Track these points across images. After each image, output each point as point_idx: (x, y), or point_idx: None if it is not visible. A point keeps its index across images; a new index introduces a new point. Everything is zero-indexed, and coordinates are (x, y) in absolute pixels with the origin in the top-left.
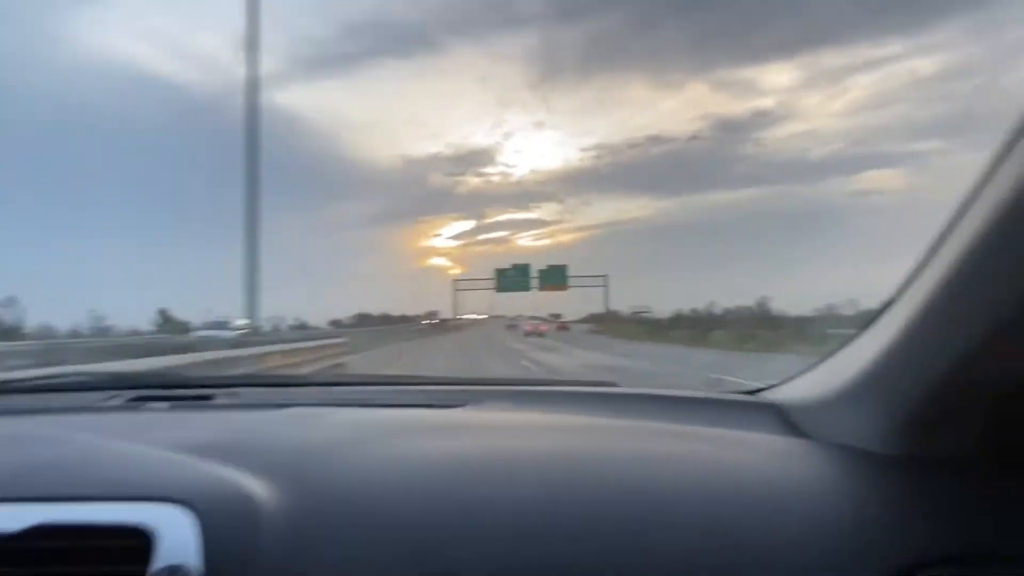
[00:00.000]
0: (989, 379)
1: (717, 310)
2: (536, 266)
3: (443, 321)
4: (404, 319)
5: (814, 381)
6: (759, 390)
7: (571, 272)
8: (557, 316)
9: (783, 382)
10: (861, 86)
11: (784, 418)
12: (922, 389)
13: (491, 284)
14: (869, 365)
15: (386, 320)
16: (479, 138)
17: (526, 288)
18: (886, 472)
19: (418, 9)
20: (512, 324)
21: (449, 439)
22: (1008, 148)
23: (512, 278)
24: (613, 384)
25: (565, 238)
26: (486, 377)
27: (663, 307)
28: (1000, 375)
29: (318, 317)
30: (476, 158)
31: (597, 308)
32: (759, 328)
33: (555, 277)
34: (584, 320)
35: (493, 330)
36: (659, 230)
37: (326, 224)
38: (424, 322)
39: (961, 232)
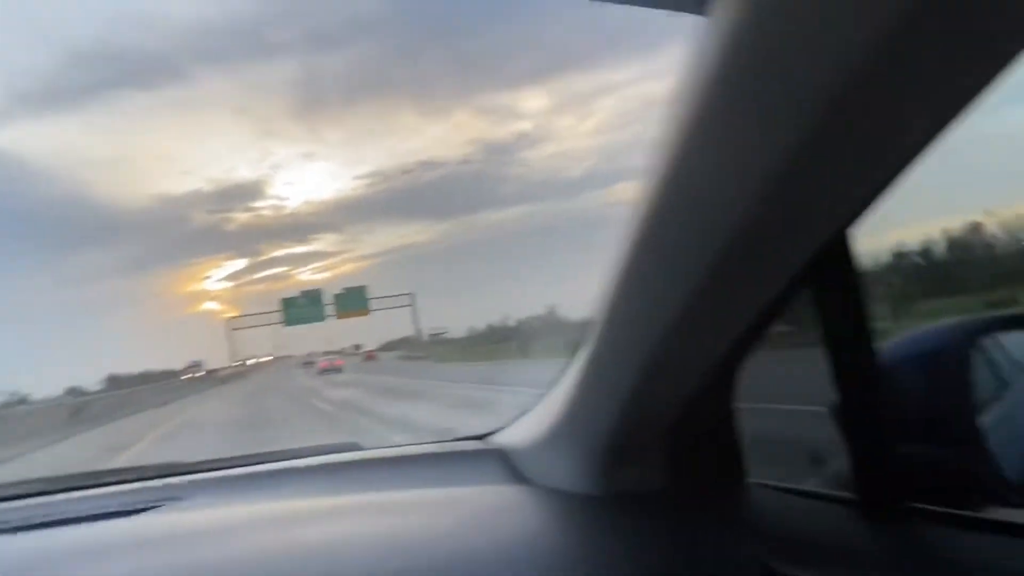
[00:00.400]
0: (657, 412)
1: (511, 322)
2: (331, 291)
3: (211, 372)
4: (168, 375)
5: (531, 423)
6: (490, 433)
7: (371, 294)
8: (358, 347)
9: (510, 423)
10: (605, 108)
11: (509, 464)
12: (604, 428)
13: (277, 318)
14: (565, 406)
15: (145, 379)
16: (244, 171)
17: (320, 317)
18: (590, 512)
19: (158, 37)
20: (308, 362)
21: (134, 560)
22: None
23: (301, 308)
24: (354, 446)
25: (347, 268)
26: (196, 461)
27: (457, 325)
28: (665, 407)
29: (53, 385)
30: (243, 193)
31: (403, 332)
32: (562, 335)
33: (354, 302)
34: (384, 348)
35: (285, 374)
36: (442, 252)
37: (67, 276)
38: (184, 377)
39: (617, 262)
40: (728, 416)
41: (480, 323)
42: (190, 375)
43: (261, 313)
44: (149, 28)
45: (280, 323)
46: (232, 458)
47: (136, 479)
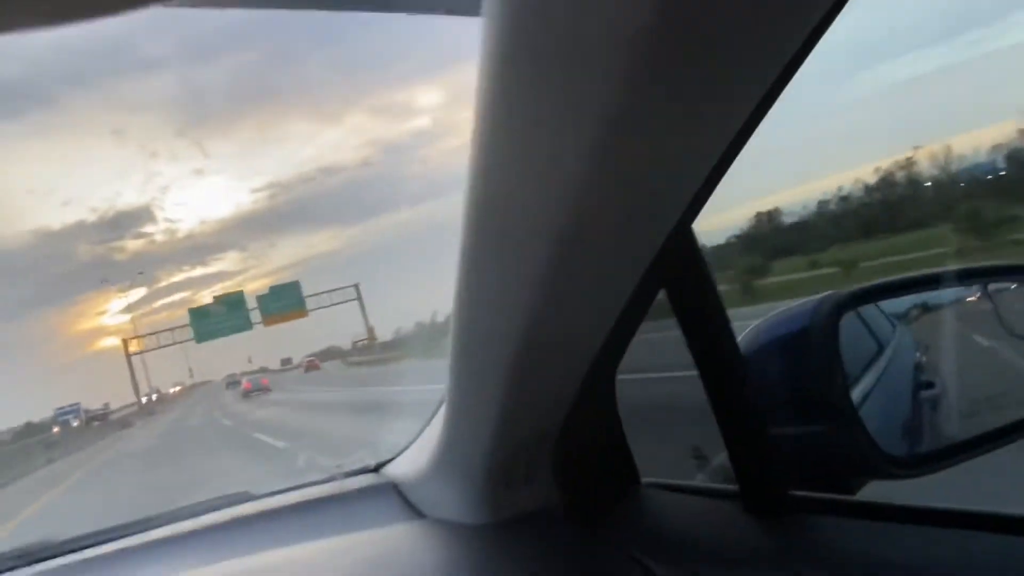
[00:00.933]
0: (535, 431)
1: (440, 318)
2: (257, 294)
3: (98, 418)
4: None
5: (419, 453)
6: (384, 463)
7: (307, 291)
8: (288, 361)
9: (402, 451)
10: None
11: (403, 498)
12: (482, 455)
13: (186, 335)
14: (443, 435)
15: (27, 431)
16: (130, 196)
17: (245, 326)
18: (481, 544)
19: (14, 61)
20: (234, 382)
21: None
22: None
23: (218, 319)
24: (245, 496)
25: (254, 286)
26: (40, 545)
27: (384, 328)
28: (543, 425)
29: None
30: (131, 219)
31: (324, 342)
32: None
33: (285, 302)
34: (317, 356)
35: (210, 406)
36: (353, 258)
37: None
38: (55, 429)
39: (457, 280)
40: (613, 422)
41: (408, 323)
42: (58, 428)
43: (165, 331)
44: (3, 53)
45: (191, 340)
46: (92, 534)
47: None
